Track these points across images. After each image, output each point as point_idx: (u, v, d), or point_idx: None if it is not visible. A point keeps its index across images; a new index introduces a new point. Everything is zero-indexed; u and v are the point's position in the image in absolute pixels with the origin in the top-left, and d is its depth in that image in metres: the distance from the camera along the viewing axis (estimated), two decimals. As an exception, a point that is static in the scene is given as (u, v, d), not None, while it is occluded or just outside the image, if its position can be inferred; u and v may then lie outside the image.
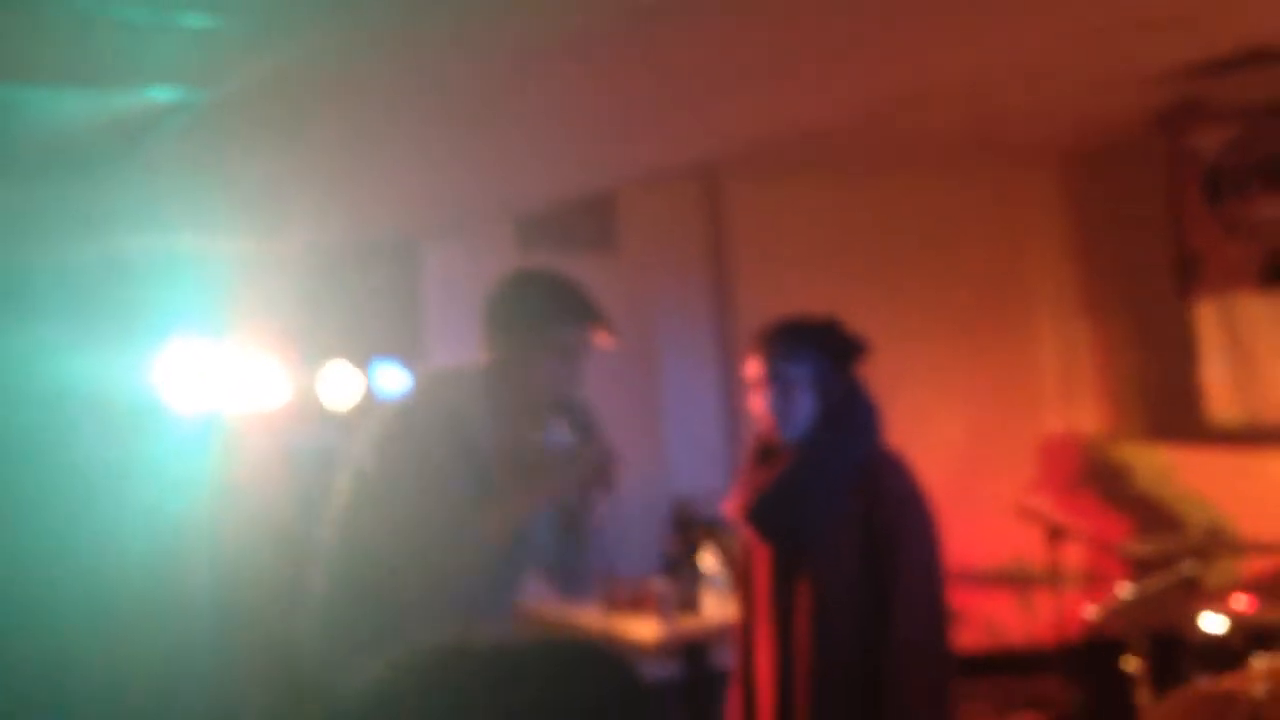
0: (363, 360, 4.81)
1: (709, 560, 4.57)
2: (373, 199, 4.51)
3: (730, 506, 2.77)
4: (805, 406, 2.66)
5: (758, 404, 2.72)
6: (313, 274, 5.04)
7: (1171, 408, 5.45)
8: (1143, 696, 4.01)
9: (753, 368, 2.72)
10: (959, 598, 5.68)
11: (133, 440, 4.35)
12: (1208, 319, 5.08)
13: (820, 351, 2.69)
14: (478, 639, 0.93)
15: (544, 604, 4.77)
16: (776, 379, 2.67)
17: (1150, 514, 5.50)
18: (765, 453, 2.75)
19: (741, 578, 2.82)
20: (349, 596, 2.58)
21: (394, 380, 4.83)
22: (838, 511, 2.61)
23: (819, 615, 2.61)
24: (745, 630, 2.78)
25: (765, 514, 2.68)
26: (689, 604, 4.42)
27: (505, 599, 2.75)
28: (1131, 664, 4.06)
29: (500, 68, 2.91)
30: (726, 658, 5.04)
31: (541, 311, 2.57)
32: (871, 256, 5.85)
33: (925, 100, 4.06)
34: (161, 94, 2.83)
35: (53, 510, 4.27)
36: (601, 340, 2.63)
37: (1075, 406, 5.88)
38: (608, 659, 0.94)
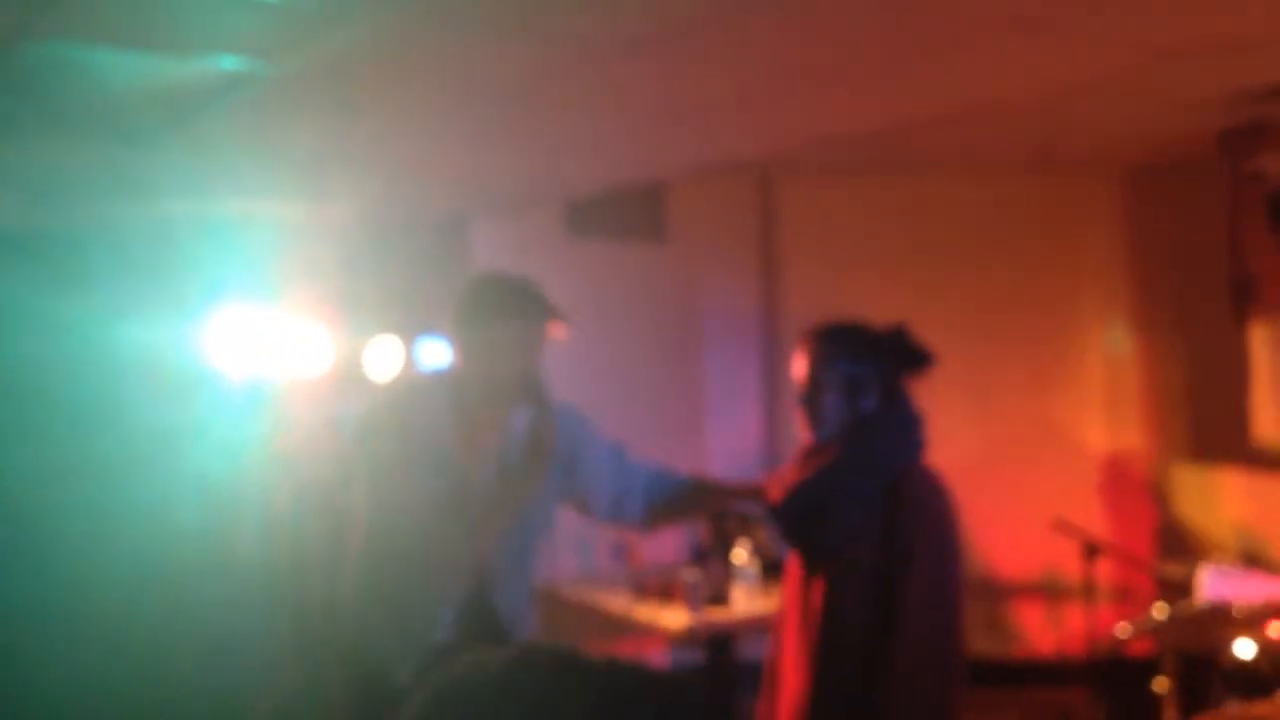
0: (409, 334, 4.85)
1: (742, 553, 4.58)
2: (427, 176, 4.54)
3: (766, 500, 2.77)
4: (834, 412, 2.65)
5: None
6: (362, 246, 5.09)
7: (1217, 429, 5.40)
8: (1169, 718, 3.98)
9: (796, 366, 2.72)
10: (992, 607, 5.68)
11: (183, 405, 4.41)
12: (1261, 342, 5.03)
13: (858, 358, 2.66)
14: (593, 654, 0.95)
15: (567, 586, 4.82)
16: (810, 380, 2.67)
17: (1189, 535, 5.46)
18: (809, 453, 2.74)
19: (785, 570, 2.83)
20: (363, 572, 2.86)
21: (436, 355, 4.87)
22: (857, 525, 2.57)
23: (828, 625, 2.59)
24: (778, 623, 2.79)
25: (787, 516, 2.67)
26: (719, 596, 4.43)
27: (520, 566, 2.92)
28: (1160, 684, 4.03)
29: (562, 57, 2.92)
30: (753, 650, 5.06)
31: (494, 311, 2.78)
32: (921, 260, 5.82)
33: (988, 109, 4.03)
34: (227, 64, 2.86)
35: (105, 474, 4.34)
36: (557, 332, 2.81)
37: (1119, 422, 5.83)
38: (712, 701, 0.96)
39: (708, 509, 3.10)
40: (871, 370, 2.66)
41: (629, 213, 5.66)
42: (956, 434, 5.72)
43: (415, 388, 2.92)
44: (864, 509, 2.57)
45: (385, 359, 4.81)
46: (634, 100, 3.43)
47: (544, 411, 2.80)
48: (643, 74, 3.12)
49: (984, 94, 3.56)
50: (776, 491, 2.73)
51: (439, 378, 2.87)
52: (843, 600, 2.59)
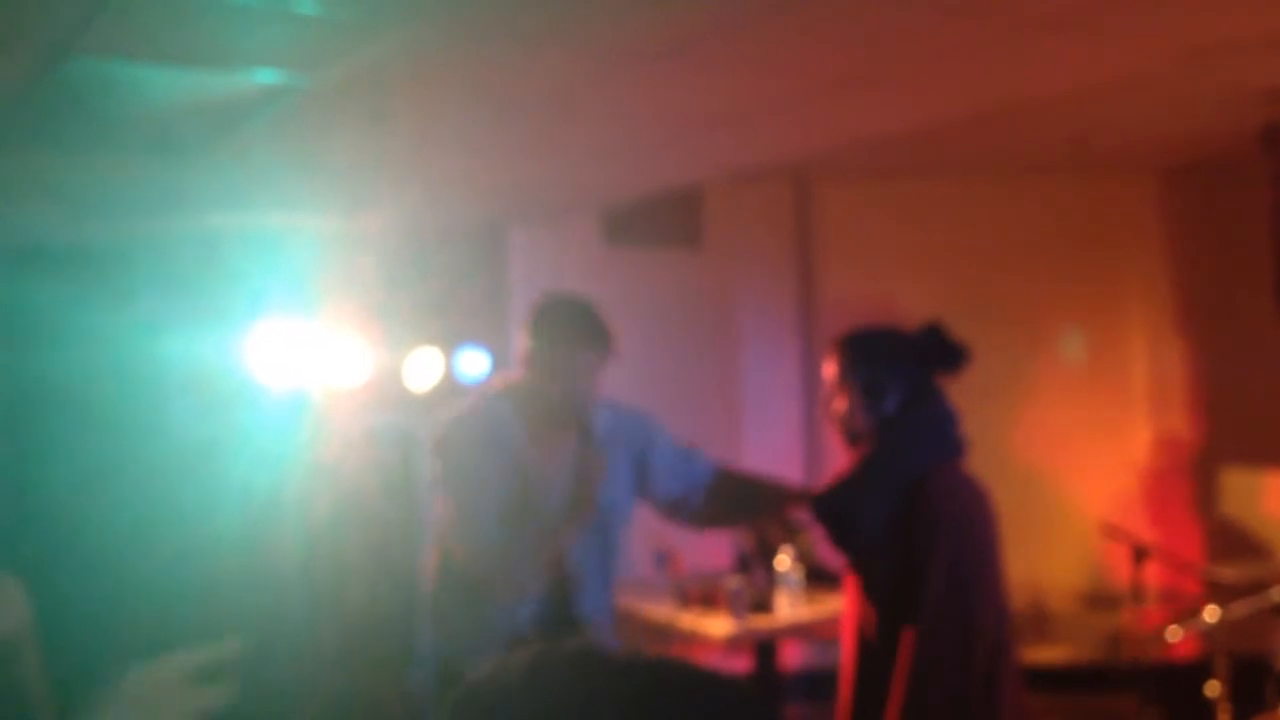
0: (448, 345, 4.87)
1: (785, 560, 4.56)
2: (465, 186, 4.56)
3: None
4: (858, 415, 2.68)
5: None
6: (400, 258, 5.11)
7: (1265, 430, 5.32)
8: (1223, 722, 3.93)
9: (826, 372, 2.76)
10: (1039, 612, 5.62)
11: (225, 415, 4.45)
12: (1308, 340, 4.96)
13: (877, 361, 2.69)
14: (614, 650, 0.95)
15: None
16: (836, 386, 2.72)
17: (1240, 537, 5.38)
18: (850, 457, 2.75)
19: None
20: (437, 577, 2.99)
21: (475, 365, 4.88)
22: (877, 526, 2.60)
23: (862, 623, 2.63)
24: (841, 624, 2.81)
25: (820, 518, 2.71)
26: (762, 603, 4.41)
27: (601, 568, 3.01)
28: (1212, 688, 3.98)
29: (597, 65, 2.92)
30: (798, 657, 5.05)
31: (556, 332, 2.92)
32: (958, 262, 5.78)
33: (1024, 109, 4.00)
34: (265, 77, 2.88)
35: (149, 483, 4.38)
36: (609, 360, 2.95)
37: (1165, 425, 5.76)
38: (744, 693, 0.95)
39: (776, 511, 3.17)
40: (891, 372, 2.67)
41: (665, 219, 5.65)
42: (1000, 438, 5.66)
43: (489, 399, 3.03)
44: (886, 508, 2.58)
45: (424, 370, 4.82)
46: (669, 106, 3.43)
47: (586, 441, 2.91)
48: (677, 80, 3.11)
49: (1017, 94, 3.53)
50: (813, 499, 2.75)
51: (510, 390, 3.00)
52: (870, 598, 2.61)
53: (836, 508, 2.66)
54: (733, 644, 4.42)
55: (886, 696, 2.54)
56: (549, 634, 2.83)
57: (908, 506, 2.58)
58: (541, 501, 2.88)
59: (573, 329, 2.92)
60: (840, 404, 2.71)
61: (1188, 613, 4.69)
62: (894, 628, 2.55)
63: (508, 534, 2.82)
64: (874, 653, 2.59)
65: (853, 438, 2.70)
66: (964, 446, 2.71)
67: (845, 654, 2.72)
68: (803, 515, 3.08)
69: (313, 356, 4.54)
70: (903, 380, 2.68)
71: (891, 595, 2.57)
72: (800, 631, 4.53)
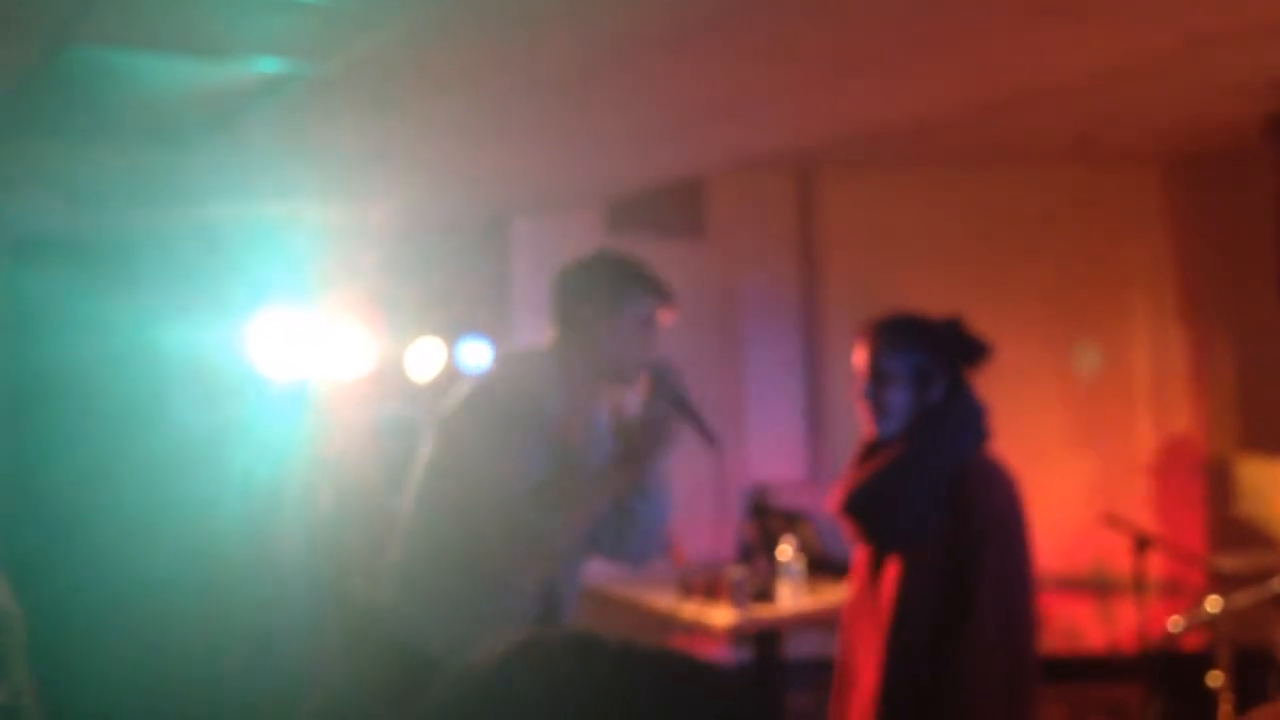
0: (451, 335, 4.87)
1: (787, 550, 4.56)
2: (465, 177, 4.55)
3: (829, 499, 2.74)
4: (899, 402, 2.62)
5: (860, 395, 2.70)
6: (403, 248, 5.11)
7: (1269, 420, 5.31)
8: (1225, 712, 3.93)
9: (857, 358, 2.69)
10: (1040, 601, 5.61)
11: (227, 406, 4.44)
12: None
13: (920, 348, 2.63)
14: (607, 635, 0.95)
15: (614, 584, 4.81)
16: (873, 372, 2.64)
17: (1243, 528, 5.38)
18: (869, 448, 2.70)
19: (851, 568, 2.79)
20: (425, 562, 2.72)
21: (478, 355, 4.88)
22: (923, 519, 2.55)
23: (898, 620, 2.56)
24: (847, 622, 2.75)
25: (856, 511, 2.65)
26: (765, 593, 4.42)
27: (574, 571, 2.83)
28: (1215, 678, 3.98)
29: (599, 53, 2.91)
30: (800, 646, 5.05)
31: (618, 285, 2.68)
32: (963, 252, 5.77)
33: (1027, 99, 3.99)
34: (267, 66, 2.87)
35: (151, 474, 4.38)
36: (668, 316, 2.71)
37: (1168, 414, 5.75)
38: (734, 680, 0.95)
39: None
40: (936, 361, 2.63)
41: (668, 210, 5.65)
42: (1003, 428, 5.64)
43: (528, 362, 2.77)
44: (933, 501, 2.54)
45: (427, 360, 4.82)
46: (673, 96, 3.42)
47: (658, 404, 2.62)
48: (681, 69, 3.10)
49: (1021, 83, 3.52)
50: (840, 492, 2.68)
51: (548, 354, 2.73)
52: (912, 594, 2.55)
53: (876, 501, 2.60)
54: (735, 633, 4.42)
55: (926, 692, 2.51)
56: (536, 618, 2.66)
57: (953, 500, 2.53)
58: (572, 474, 2.62)
59: (623, 276, 2.65)
60: (881, 391, 2.63)
61: (1190, 603, 4.69)
62: (936, 623, 2.49)
63: (532, 505, 2.54)
64: (909, 648, 2.52)
65: (891, 428, 2.63)
66: (990, 437, 2.68)
67: (859, 644, 2.67)
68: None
69: (315, 347, 4.53)
70: (944, 369, 2.64)
71: (936, 591, 2.51)
72: (803, 621, 4.54)
